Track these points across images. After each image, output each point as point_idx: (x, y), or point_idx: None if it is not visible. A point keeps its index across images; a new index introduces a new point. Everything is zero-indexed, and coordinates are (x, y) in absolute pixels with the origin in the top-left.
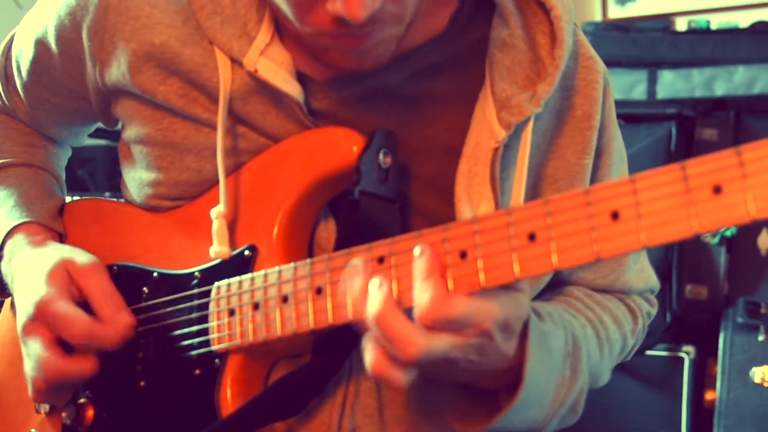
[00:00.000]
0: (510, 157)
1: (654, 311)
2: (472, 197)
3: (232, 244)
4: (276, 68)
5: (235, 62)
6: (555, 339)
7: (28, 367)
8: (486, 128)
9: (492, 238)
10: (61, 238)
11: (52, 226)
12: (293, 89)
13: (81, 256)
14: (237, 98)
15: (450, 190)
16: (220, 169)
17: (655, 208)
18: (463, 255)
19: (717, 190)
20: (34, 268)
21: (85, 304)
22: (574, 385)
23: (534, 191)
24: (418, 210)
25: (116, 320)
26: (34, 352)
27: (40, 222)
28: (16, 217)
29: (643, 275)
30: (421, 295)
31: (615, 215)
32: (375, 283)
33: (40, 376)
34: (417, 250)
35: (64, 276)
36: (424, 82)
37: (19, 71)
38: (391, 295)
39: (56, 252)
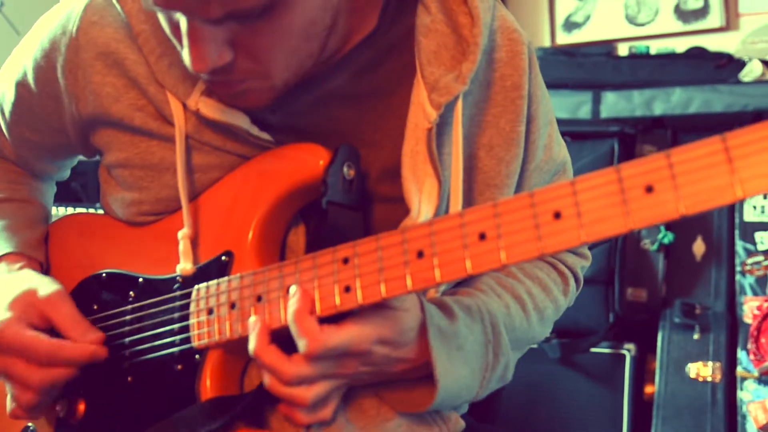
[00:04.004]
0: (447, 133)
1: (587, 263)
2: (417, 175)
3: (210, 250)
4: (215, 104)
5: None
6: (470, 333)
7: (9, 387)
8: (420, 110)
9: (446, 238)
10: (42, 266)
11: (33, 255)
12: (236, 119)
13: (45, 287)
14: (194, 133)
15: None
16: (183, 197)
17: (592, 207)
18: (420, 254)
19: (649, 189)
20: (1, 295)
21: (51, 332)
22: (497, 366)
23: (473, 161)
24: (378, 196)
25: (86, 338)
26: (15, 374)
27: (21, 252)
28: None
29: None
30: (298, 337)
31: (557, 215)
32: (252, 320)
33: (28, 390)
34: (292, 289)
35: (25, 304)
36: (366, 79)
37: (3, 113)
38: (263, 331)
39: (24, 281)
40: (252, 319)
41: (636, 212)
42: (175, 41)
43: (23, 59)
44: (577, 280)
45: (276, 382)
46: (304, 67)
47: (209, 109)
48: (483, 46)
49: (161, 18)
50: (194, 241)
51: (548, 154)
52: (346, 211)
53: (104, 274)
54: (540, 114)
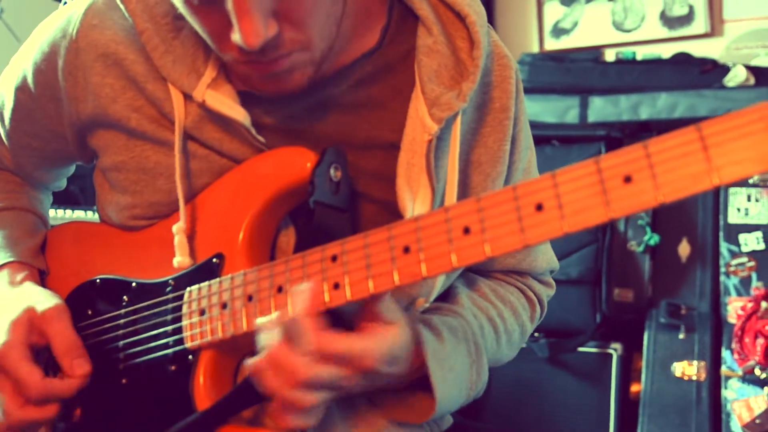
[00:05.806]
0: (443, 148)
1: (552, 292)
2: (411, 185)
3: (202, 253)
4: (221, 97)
5: (187, 96)
6: (457, 355)
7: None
8: (419, 124)
9: (432, 233)
10: (42, 274)
11: (33, 263)
12: (238, 114)
13: (44, 302)
14: (193, 128)
15: (393, 178)
16: (180, 191)
17: (573, 198)
18: (406, 250)
19: (627, 179)
20: (2, 312)
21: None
22: (479, 383)
23: (463, 176)
24: (368, 198)
25: (74, 371)
26: (6, 398)
27: (22, 261)
28: (1, 258)
29: (546, 257)
30: (305, 333)
31: (539, 207)
32: (262, 318)
33: (6, 422)
34: (302, 286)
35: (27, 323)
36: (363, 91)
37: (2, 121)
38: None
39: (25, 297)
40: (261, 318)
41: (616, 201)
42: (208, 38)
43: (23, 64)
44: (542, 307)
45: (284, 383)
46: (332, 38)
47: (215, 101)
48: (482, 68)
49: (189, 17)
50: (188, 242)
51: (526, 178)
52: (333, 211)
53: (98, 280)
54: (522, 138)
